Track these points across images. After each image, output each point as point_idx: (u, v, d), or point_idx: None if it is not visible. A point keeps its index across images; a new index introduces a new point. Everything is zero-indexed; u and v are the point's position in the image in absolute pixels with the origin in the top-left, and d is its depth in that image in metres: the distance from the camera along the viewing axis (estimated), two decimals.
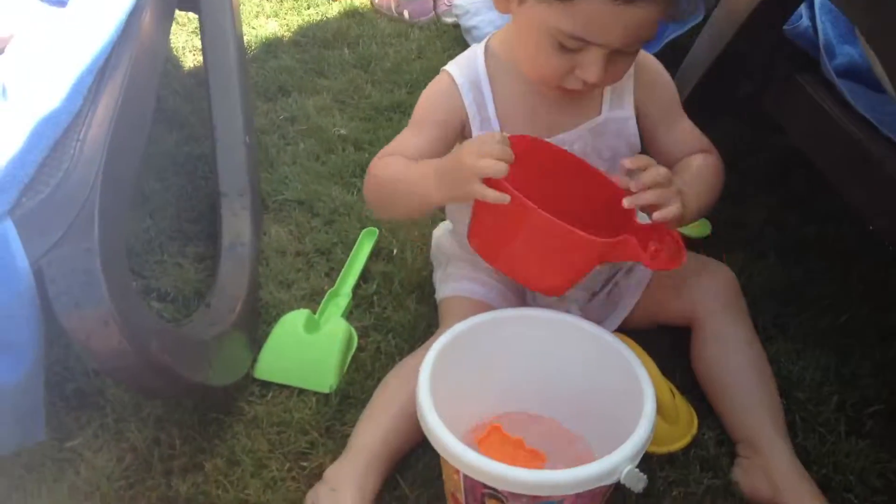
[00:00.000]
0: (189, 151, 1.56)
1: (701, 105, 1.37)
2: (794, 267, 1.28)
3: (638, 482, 0.79)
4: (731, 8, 1.21)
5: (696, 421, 1.05)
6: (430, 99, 1.04)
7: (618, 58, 0.90)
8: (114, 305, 0.83)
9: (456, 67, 1.02)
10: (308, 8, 2.22)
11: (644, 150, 1.05)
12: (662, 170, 0.89)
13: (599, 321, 1.02)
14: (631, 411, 0.86)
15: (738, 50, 1.22)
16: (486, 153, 0.84)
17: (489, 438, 0.98)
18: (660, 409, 0.99)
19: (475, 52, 1.03)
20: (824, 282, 1.26)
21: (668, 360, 1.09)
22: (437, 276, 1.18)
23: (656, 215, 0.87)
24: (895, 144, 1.02)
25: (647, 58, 1.03)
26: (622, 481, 0.78)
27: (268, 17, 2.18)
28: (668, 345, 1.12)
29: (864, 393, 1.09)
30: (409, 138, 1.02)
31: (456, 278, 1.13)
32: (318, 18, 2.17)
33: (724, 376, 1.04)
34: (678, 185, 0.90)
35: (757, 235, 1.35)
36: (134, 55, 1.08)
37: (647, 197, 0.87)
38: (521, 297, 1.13)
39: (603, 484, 0.79)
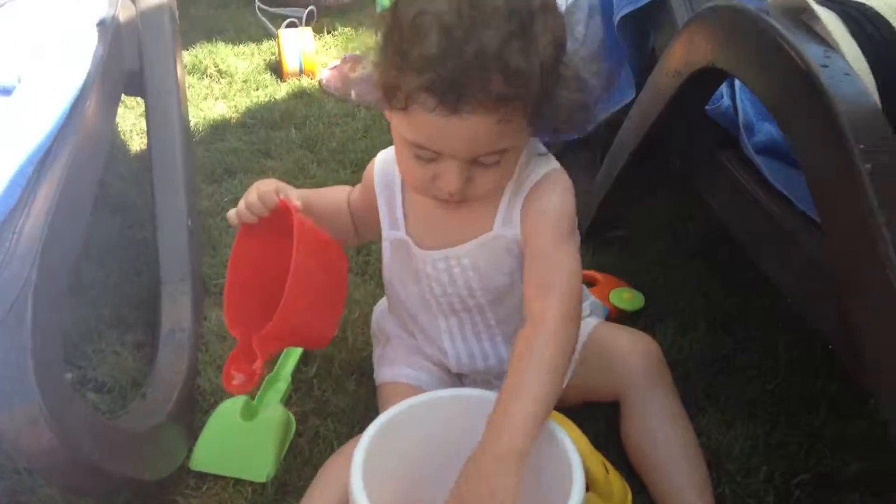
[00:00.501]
0: (132, 236, 1.57)
1: (634, 180, 1.42)
2: (723, 337, 1.32)
3: None
4: (656, 89, 1.26)
5: (629, 496, 1.05)
6: (364, 176, 1.08)
7: (479, 169, 0.90)
8: (44, 403, 0.83)
9: (381, 165, 1.05)
10: (257, 89, 2.27)
11: None
12: None
13: None
14: (562, 489, 0.87)
15: (664, 128, 1.27)
16: (246, 196, 1.02)
17: None
18: (593, 485, 1.01)
19: None
20: (752, 351, 1.29)
21: (603, 436, 1.11)
22: (376, 355, 1.19)
23: None
24: (809, 218, 1.05)
25: (547, 180, 0.99)
26: None
27: (216, 98, 2.22)
28: (602, 421, 1.14)
29: (792, 462, 1.11)
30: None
31: (393, 362, 1.14)
32: (266, 100, 2.21)
33: (650, 452, 1.05)
34: None
35: (688, 304, 1.39)
36: (77, 143, 1.09)
37: None
38: (458, 379, 1.15)
39: None
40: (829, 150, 0.83)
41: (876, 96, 0.94)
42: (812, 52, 0.88)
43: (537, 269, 0.95)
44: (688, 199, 1.60)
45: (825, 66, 0.86)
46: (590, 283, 1.41)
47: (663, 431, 1.06)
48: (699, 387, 1.23)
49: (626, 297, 1.38)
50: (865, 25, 1.00)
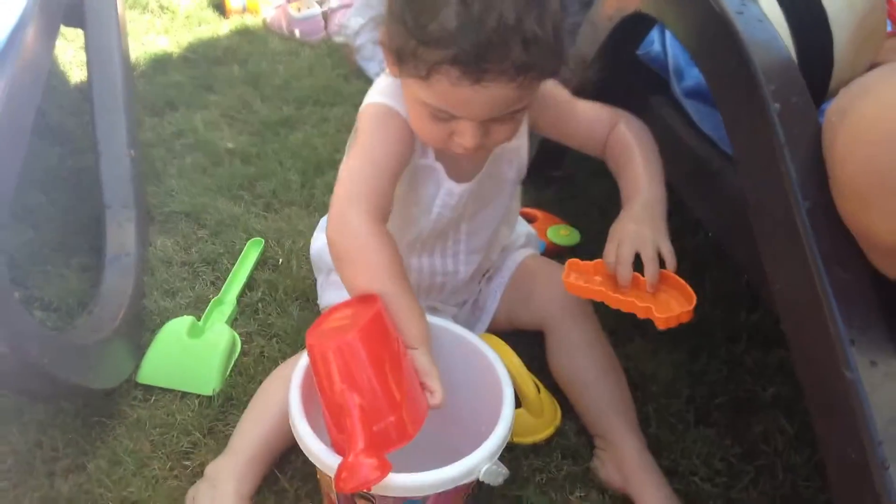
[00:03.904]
0: (73, 165, 1.56)
1: None
2: None
3: (497, 477, 0.83)
4: (592, 34, 1.30)
5: (559, 413, 1.12)
6: (380, 126, 0.97)
7: (495, 125, 0.90)
8: None
9: (392, 100, 0.97)
10: (199, 25, 2.24)
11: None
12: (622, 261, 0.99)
13: (470, 327, 1.08)
14: (493, 411, 0.90)
15: (597, 72, 1.31)
16: None
17: None
18: (525, 402, 1.07)
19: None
20: None
21: (538, 360, 1.16)
22: (320, 283, 1.22)
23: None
24: (731, 158, 1.11)
25: None
26: (481, 479, 0.83)
27: (158, 33, 2.19)
28: (537, 346, 1.18)
29: (712, 387, 1.18)
30: (367, 164, 0.94)
31: (338, 286, 1.16)
32: (209, 36, 2.19)
33: (573, 379, 1.11)
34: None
35: None
36: (14, 72, 1.08)
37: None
38: None
39: (463, 483, 0.83)
40: (743, 91, 0.88)
41: (790, 41, 1.00)
42: (728, 0, 0.93)
43: (582, 111, 1.11)
44: None
45: (740, 13, 0.91)
46: (529, 219, 1.46)
47: (583, 360, 1.11)
48: (628, 319, 1.28)
49: (563, 234, 1.44)
50: None
